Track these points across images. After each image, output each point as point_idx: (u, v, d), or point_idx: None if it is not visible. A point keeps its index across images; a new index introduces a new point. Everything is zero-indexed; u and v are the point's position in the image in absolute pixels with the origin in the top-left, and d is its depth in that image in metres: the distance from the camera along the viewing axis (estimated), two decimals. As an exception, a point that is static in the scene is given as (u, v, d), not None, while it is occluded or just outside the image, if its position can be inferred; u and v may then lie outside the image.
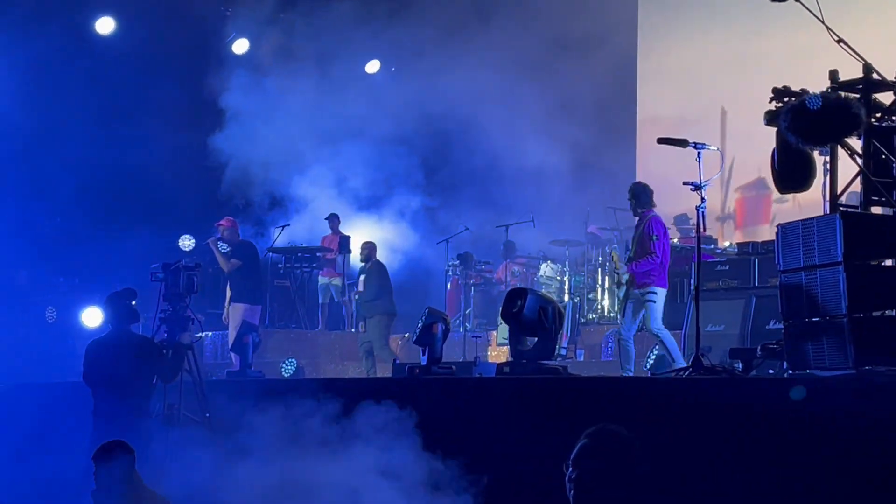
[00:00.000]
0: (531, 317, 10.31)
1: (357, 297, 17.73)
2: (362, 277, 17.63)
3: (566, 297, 17.84)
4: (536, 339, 10.48)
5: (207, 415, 11.09)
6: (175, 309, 11.45)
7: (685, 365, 10.48)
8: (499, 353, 17.11)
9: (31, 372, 16.65)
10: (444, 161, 21.77)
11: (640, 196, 13.09)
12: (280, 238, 20.24)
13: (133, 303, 11.27)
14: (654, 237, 12.81)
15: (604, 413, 7.79)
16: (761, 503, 7.40)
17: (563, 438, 5.20)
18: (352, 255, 20.17)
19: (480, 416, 9.47)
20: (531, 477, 8.41)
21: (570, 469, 4.84)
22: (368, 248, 17.95)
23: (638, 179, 14.62)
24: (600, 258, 18.71)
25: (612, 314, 18.09)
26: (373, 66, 23.05)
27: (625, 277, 13.14)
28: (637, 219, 13.32)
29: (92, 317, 16.87)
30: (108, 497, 7.86)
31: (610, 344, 16.56)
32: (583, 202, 19.66)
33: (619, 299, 13.76)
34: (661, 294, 12.88)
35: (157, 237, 17.92)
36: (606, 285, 18.34)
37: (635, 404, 8.24)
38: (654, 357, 13.63)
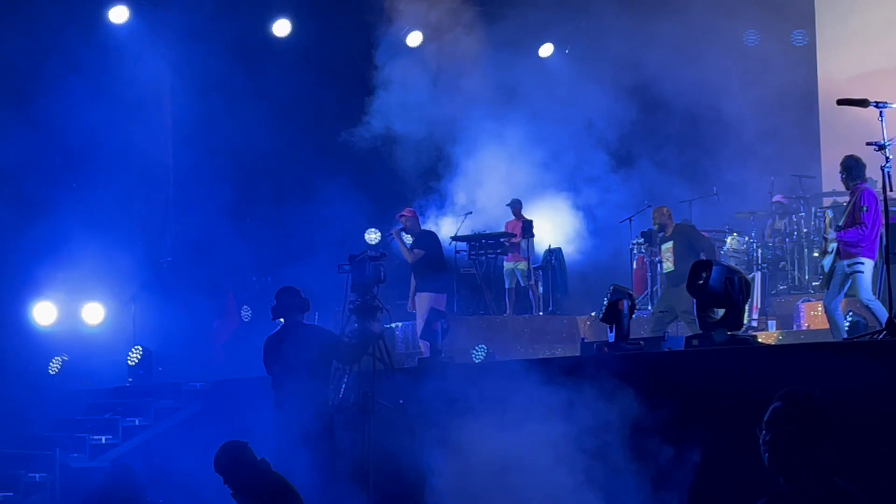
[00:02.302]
0: (717, 288, 10.20)
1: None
2: (667, 245, 16.76)
3: (755, 269, 17.59)
4: (724, 310, 10.36)
5: (401, 401, 11.27)
6: (363, 299, 11.66)
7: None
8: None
9: (230, 369, 17.19)
10: (625, 139, 21.65)
11: (853, 169, 12.85)
12: (463, 225, 20.42)
13: (300, 293, 11.60)
14: (865, 208, 12.60)
15: (794, 381, 7.69)
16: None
17: (756, 406, 5.16)
18: (535, 239, 20.28)
19: (672, 389, 9.43)
20: (728, 446, 8.36)
21: (764, 432, 4.81)
22: (660, 216, 16.96)
23: (823, 146, 14.37)
24: (788, 227, 18.40)
25: (802, 284, 17.80)
26: (546, 50, 23.08)
27: (831, 246, 12.95)
28: (849, 192, 13.08)
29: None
30: (245, 496, 8.09)
31: (801, 314, 16.29)
32: (766, 171, 19.38)
33: (823, 271, 13.49)
34: (868, 265, 12.66)
35: (343, 233, 18.25)
36: (795, 255, 18.03)
37: (826, 372, 8.10)
38: (848, 322, 13.37)
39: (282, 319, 12.00)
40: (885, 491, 7.09)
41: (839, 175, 13.10)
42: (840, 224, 12.91)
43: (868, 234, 12.62)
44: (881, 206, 12.65)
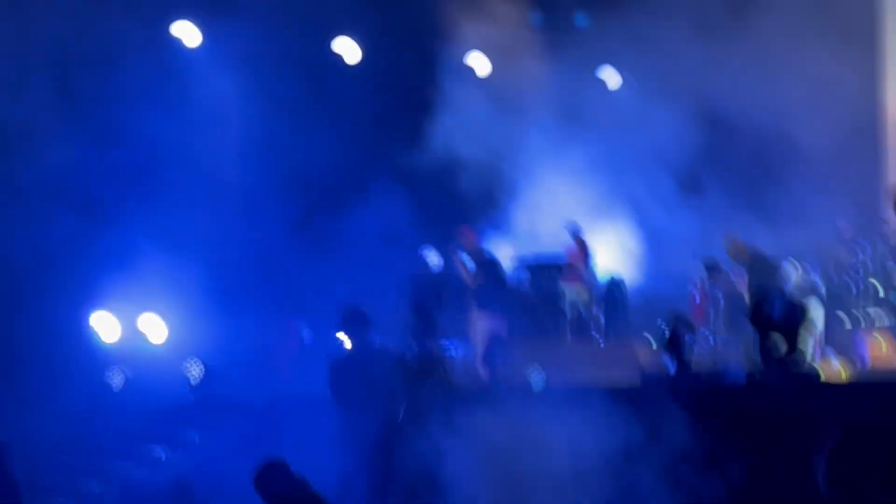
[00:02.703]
0: (780, 320, 10.14)
1: None
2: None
3: (819, 303, 17.41)
4: (787, 343, 10.30)
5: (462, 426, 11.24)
6: (423, 320, 11.68)
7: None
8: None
9: (290, 388, 17.24)
10: (691, 167, 21.53)
11: None
12: (524, 250, 20.38)
13: (365, 313, 11.57)
14: None
15: (855, 418, 7.61)
16: None
17: (814, 445, 5.12)
18: (597, 264, 20.22)
19: (735, 422, 9.37)
20: (793, 481, 8.29)
21: (826, 466, 4.76)
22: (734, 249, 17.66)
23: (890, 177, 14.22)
24: (854, 262, 18.23)
25: (867, 319, 17.62)
26: (612, 80, 23.03)
27: None
28: None
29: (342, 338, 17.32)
30: None
31: (864, 350, 16.12)
32: (833, 204, 19.22)
33: None
34: None
35: (400, 254, 18.28)
36: (861, 289, 17.86)
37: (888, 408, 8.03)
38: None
39: (347, 341, 11.98)
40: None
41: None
42: None
43: None
44: None
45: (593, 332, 19.95)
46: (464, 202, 20.85)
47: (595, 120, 21.30)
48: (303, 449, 12.64)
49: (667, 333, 11.50)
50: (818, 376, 10.50)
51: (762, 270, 16.53)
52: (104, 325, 18.80)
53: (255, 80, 19.86)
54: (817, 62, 19.69)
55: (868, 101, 21.21)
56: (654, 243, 21.83)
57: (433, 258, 16.97)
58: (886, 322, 16.90)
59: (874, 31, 21.37)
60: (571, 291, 19.98)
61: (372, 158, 19.39)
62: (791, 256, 19.06)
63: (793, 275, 18.18)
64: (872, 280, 17.66)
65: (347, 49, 21.20)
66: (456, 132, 20.42)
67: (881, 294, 16.81)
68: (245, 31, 19.68)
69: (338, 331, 16.51)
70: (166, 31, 20.00)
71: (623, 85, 22.93)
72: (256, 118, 19.98)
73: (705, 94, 20.25)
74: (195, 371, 17.53)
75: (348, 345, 12.28)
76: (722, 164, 21.36)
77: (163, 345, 19.17)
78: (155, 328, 19.29)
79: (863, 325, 17.58)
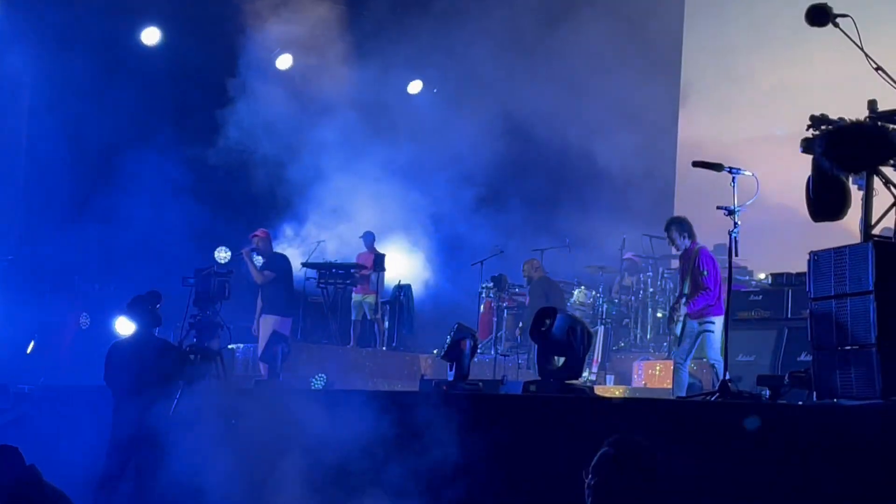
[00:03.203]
0: (559, 336, 10.24)
1: None
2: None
3: (599, 323, 17.77)
4: (564, 358, 10.41)
5: (233, 421, 11.09)
6: (205, 314, 11.50)
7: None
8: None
9: (61, 375, 16.79)
10: (487, 182, 21.72)
11: (686, 230, 13.10)
12: (315, 253, 20.30)
13: (157, 306, 11.34)
14: (705, 272, 12.86)
15: (624, 433, 7.74)
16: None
17: (587, 455, 5.17)
18: (387, 274, 20.26)
19: (505, 432, 9.44)
20: (554, 492, 8.38)
21: (590, 476, 4.81)
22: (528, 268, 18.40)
23: (676, 206, 14.66)
24: (636, 285, 18.66)
25: (643, 343, 18.05)
26: (415, 87, 23.12)
27: (681, 311, 13.15)
28: (679, 252, 13.33)
29: (125, 325, 16.95)
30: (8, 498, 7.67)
31: (640, 371, 16.50)
32: (620, 227, 19.64)
33: (675, 334, 13.67)
34: (718, 322, 12.85)
35: (195, 249, 17.99)
36: (639, 313, 18.29)
37: (660, 425, 8.18)
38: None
39: (128, 328, 11.71)
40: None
41: (665, 233, 13.35)
42: (686, 292, 13.10)
43: (713, 294, 12.87)
44: (718, 264, 12.93)
45: (378, 338, 20.00)
46: (258, 200, 20.64)
47: (397, 125, 21.34)
48: (69, 435, 12.37)
49: (448, 341, 11.51)
50: (592, 392, 10.64)
51: (546, 292, 17.11)
52: None
53: (51, 61, 19.31)
54: (622, 85, 20.16)
55: (670, 126, 21.78)
56: (445, 256, 22.00)
57: (222, 254, 16.66)
58: (663, 345, 17.31)
59: (677, 61, 21.96)
60: (359, 297, 19.98)
61: (169, 149, 18.95)
62: (577, 275, 19.45)
63: (575, 293, 18.53)
64: (653, 303, 18.09)
65: (149, 34, 20.73)
66: (253, 128, 20.19)
67: (660, 317, 17.24)
68: (44, 5, 19.14)
69: (120, 316, 16.18)
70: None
71: (426, 91, 23.05)
72: (50, 100, 19.42)
73: (510, 107, 20.51)
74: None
75: (128, 331, 12.00)
76: (523, 177, 21.63)
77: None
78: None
79: (640, 347, 17.98)
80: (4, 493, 7.49)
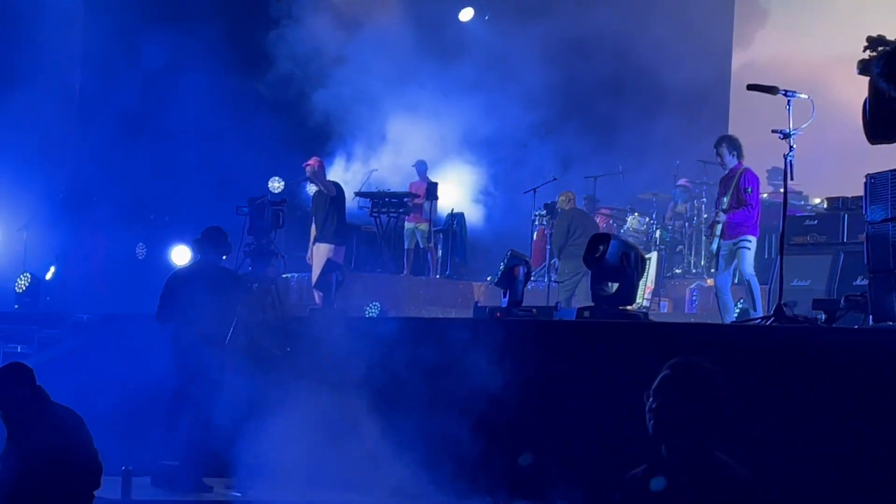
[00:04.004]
0: (613, 262, 10.23)
1: None
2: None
3: (652, 249, 17.71)
4: (618, 284, 10.41)
5: (288, 349, 11.18)
6: (260, 243, 11.55)
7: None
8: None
9: (119, 305, 16.98)
10: (540, 109, 21.58)
11: (736, 148, 13.06)
12: (368, 183, 20.34)
13: (227, 238, 11.41)
14: (749, 189, 12.87)
15: (680, 356, 7.73)
16: (835, 453, 7.32)
17: (640, 380, 5.16)
18: (439, 202, 20.27)
19: (559, 358, 9.48)
20: (607, 417, 8.43)
21: (651, 399, 4.79)
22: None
23: (730, 131, 14.56)
24: (689, 212, 18.55)
25: (697, 269, 17.97)
26: (466, 15, 22.95)
27: (718, 228, 13.11)
28: (726, 171, 13.27)
29: (181, 255, 17.09)
30: (6, 418, 7.67)
31: (694, 297, 16.47)
32: (674, 153, 19.51)
33: (711, 253, 13.67)
34: (753, 242, 12.95)
35: (251, 175, 18.07)
36: (693, 239, 18.19)
37: (714, 349, 8.17)
38: (738, 310, 13.50)
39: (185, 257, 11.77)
40: (759, 470, 7.17)
41: (715, 150, 13.31)
42: (724, 206, 13.06)
43: (754, 213, 12.93)
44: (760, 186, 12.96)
45: (430, 267, 20.06)
46: (310, 129, 20.66)
47: (449, 51, 21.22)
48: (127, 364, 12.52)
49: (501, 268, 11.54)
50: (646, 318, 10.64)
51: (570, 223, 17.39)
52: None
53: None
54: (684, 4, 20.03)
55: (725, 48, 21.56)
56: (498, 184, 21.96)
57: (276, 184, 16.71)
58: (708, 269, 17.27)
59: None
60: (412, 226, 20.02)
61: (217, 77, 18.97)
62: (630, 205, 19.37)
63: (629, 220, 18.47)
64: (705, 233, 18.00)
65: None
66: (303, 56, 20.17)
67: (714, 244, 17.13)
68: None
69: (177, 245, 16.30)
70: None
71: (478, 24, 22.87)
72: (102, 32, 19.49)
73: (566, 29, 20.31)
74: (22, 283, 17.17)
75: (185, 260, 12.07)
76: (572, 110, 21.47)
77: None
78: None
79: (694, 273, 17.91)
80: (11, 409, 7.54)
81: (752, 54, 20.75)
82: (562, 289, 17.18)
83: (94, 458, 7.65)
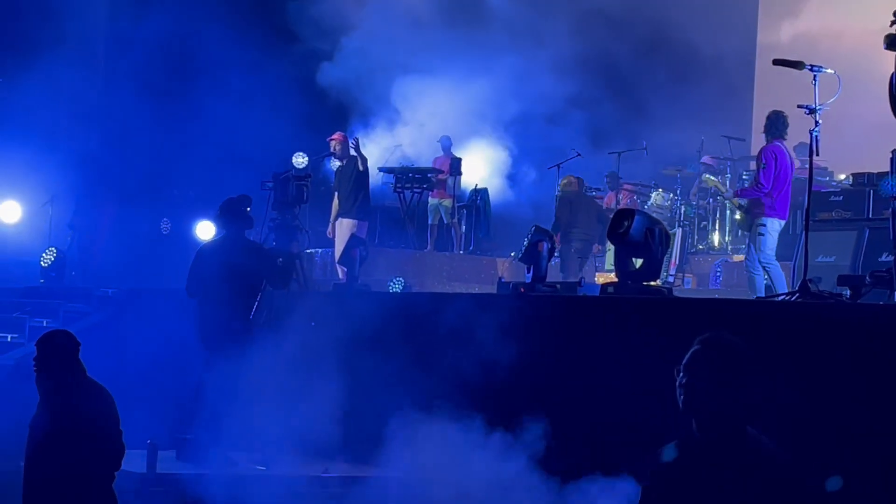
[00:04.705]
0: (637, 238, 10.19)
1: None
2: None
3: (677, 226, 17.68)
4: (642, 260, 10.39)
5: (313, 323, 11.20)
6: (284, 218, 11.57)
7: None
8: (606, 278, 17.07)
9: (144, 279, 17.05)
10: (564, 85, 21.53)
11: (769, 125, 12.70)
12: (392, 157, 20.33)
13: (248, 209, 11.41)
14: (763, 164, 12.52)
15: (707, 332, 7.73)
16: (864, 427, 7.31)
17: (667, 356, 5.16)
18: (463, 178, 20.26)
19: (584, 333, 9.47)
20: (635, 393, 8.42)
21: (682, 374, 4.79)
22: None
23: (755, 107, 14.48)
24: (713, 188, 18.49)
25: (721, 245, 17.93)
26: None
27: (741, 202, 13.01)
28: None
29: (206, 230, 17.14)
30: (47, 381, 7.72)
31: (718, 273, 16.43)
32: (697, 130, 19.44)
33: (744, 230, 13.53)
34: (770, 225, 12.55)
35: (271, 152, 18.08)
36: (717, 215, 18.14)
37: (739, 326, 8.15)
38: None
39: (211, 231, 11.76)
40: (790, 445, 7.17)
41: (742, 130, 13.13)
42: (743, 186, 12.91)
43: (764, 191, 12.51)
44: (786, 165, 12.57)
45: (454, 242, 20.07)
46: (335, 106, 20.67)
47: (474, 30, 21.18)
48: (152, 339, 12.57)
49: (525, 244, 11.53)
50: (670, 292, 10.62)
51: (570, 203, 17.46)
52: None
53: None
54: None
55: (750, 23, 21.48)
56: (522, 160, 21.94)
57: (300, 159, 16.72)
58: (741, 248, 17.19)
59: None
60: (435, 202, 20.03)
61: (241, 51, 18.98)
62: (654, 180, 19.33)
63: (653, 195, 18.42)
64: (729, 209, 17.93)
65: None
66: (328, 30, 20.18)
67: (738, 219, 17.05)
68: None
69: (202, 220, 16.29)
70: None
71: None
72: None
73: (583, 13, 20.28)
74: (48, 257, 17.24)
75: (210, 234, 12.03)
76: (596, 85, 21.40)
77: (17, 230, 18.82)
78: (9, 213, 18.93)
79: (718, 249, 17.87)
80: (52, 375, 7.61)
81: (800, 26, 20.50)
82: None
83: (118, 439, 7.72)
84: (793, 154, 13.23)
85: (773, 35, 20.71)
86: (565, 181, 18.12)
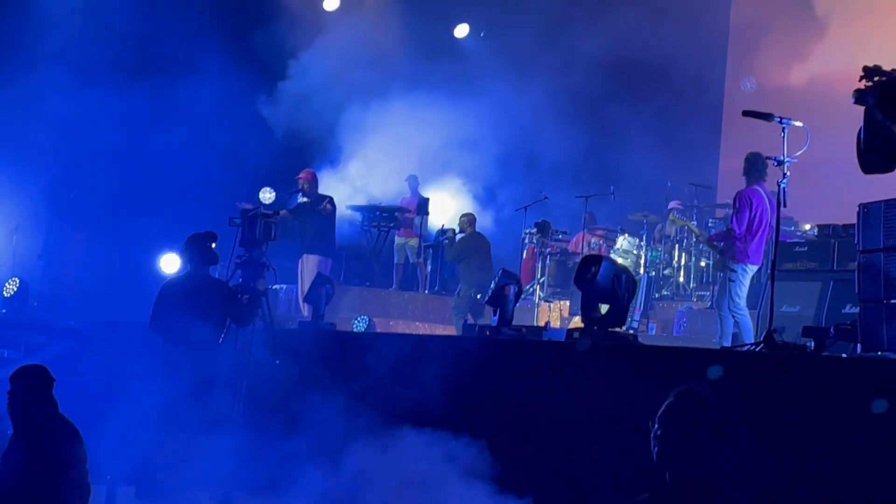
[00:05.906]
0: (604, 284, 10.20)
1: None
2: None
3: (641, 271, 17.75)
4: (608, 306, 10.40)
5: (278, 361, 11.17)
6: (251, 255, 11.53)
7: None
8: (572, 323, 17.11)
9: (108, 312, 16.94)
10: (532, 128, 21.61)
11: (747, 167, 12.73)
12: (359, 196, 20.33)
13: (213, 245, 11.38)
14: (736, 209, 12.61)
15: (672, 381, 7.74)
16: (827, 479, 7.32)
17: (630, 403, 5.17)
18: (430, 217, 20.28)
19: (548, 378, 9.46)
20: (599, 441, 8.41)
21: (656, 426, 4.80)
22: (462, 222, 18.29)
23: (722, 154, 14.57)
24: (679, 234, 18.59)
25: (686, 291, 18.00)
26: (462, 31, 23.04)
27: (718, 244, 13.08)
28: None
29: (170, 263, 17.06)
30: (20, 415, 7.67)
31: (683, 320, 16.47)
32: (664, 176, 19.55)
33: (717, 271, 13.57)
34: (741, 271, 12.65)
35: (239, 187, 18.03)
36: (683, 262, 18.23)
37: (703, 374, 8.17)
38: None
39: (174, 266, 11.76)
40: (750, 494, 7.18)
41: (708, 179, 13.22)
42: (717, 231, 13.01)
43: (737, 238, 12.61)
44: (762, 209, 12.62)
45: (420, 282, 20.07)
46: (303, 144, 20.66)
47: (443, 73, 21.26)
48: (113, 372, 12.48)
49: (492, 287, 11.54)
50: (635, 339, 10.63)
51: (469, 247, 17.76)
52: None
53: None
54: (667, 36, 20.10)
55: (718, 70, 21.66)
56: (489, 201, 21.98)
57: (267, 195, 16.70)
58: (706, 295, 17.28)
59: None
60: (402, 241, 20.05)
61: (213, 86, 18.95)
62: (620, 225, 19.40)
63: (619, 240, 18.49)
64: (697, 252, 18.02)
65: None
66: (298, 69, 20.21)
67: (703, 265, 17.16)
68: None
69: (167, 253, 16.21)
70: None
71: (473, 41, 22.94)
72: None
73: (551, 57, 20.39)
74: (11, 287, 17.12)
75: (174, 268, 12.01)
76: (563, 128, 21.48)
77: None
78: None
79: (682, 294, 17.94)
80: (26, 410, 7.57)
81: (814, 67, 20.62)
82: (455, 311, 17.27)
83: (84, 478, 7.67)
84: (771, 197, 13.28)
85: (741, 86, 20.89)
86: (465, 219, 18.38)
